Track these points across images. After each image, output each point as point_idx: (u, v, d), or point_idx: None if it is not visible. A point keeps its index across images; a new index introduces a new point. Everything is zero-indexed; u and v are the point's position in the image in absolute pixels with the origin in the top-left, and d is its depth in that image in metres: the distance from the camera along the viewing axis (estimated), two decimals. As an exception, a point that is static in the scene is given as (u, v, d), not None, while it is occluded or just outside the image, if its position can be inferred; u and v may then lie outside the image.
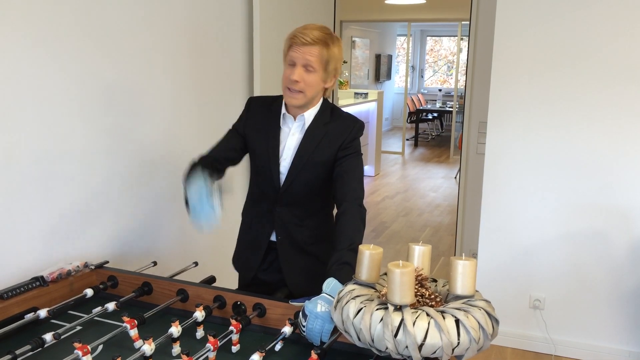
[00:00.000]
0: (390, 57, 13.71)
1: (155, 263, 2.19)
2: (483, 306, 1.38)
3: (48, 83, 2.00)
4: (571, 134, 3.00)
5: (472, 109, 3.92)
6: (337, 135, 1.91)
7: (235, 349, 1.58)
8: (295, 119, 1.94)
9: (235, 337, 1.57)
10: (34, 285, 1.80)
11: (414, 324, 1.28)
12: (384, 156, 9.91)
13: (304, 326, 1.56)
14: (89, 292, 1.86)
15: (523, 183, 3.12)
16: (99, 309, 1.73)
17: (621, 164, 2.94)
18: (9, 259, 1.92)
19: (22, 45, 1.90)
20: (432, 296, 1.43)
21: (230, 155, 2.00)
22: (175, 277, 1.99)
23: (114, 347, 1.56)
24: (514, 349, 3.30)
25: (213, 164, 1.92)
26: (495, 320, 1.38)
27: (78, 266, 1.94)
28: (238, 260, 2.15)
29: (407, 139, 11.62)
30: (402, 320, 1.29)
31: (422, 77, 15.12)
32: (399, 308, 1.32)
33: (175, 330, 1.52)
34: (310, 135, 1.92)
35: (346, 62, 9.67)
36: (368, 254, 1.47)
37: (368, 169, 8.30)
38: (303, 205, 2.00)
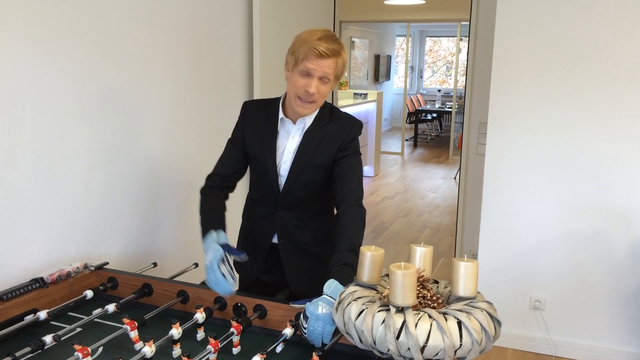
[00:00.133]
0: (389, 58, 13.71)
1: (155, 264, 2.18)
2: (485, 308, 1.37)
3: (48, 83, 2.00)
4: (571, 134, 2.99)
5: (472, 110, 3.91)
6: (336, 136, 1.90)
7: (236, 350, 1.57)
8: (295, 122, 1.93)
9: (236, 338, 1.57)
10: (34, 286, 1.79)
11: (416, 325, 1.27)
12: (383, 156, 9.90)
13: (305, 328, 1.55)
14: (89, 293, 1.86)
15: (523, 184, 3.11)
16: (99, 310, 1.72)
17: (622, 164, 2.94)
18: (9, 260, 1.92)
19: (23, 45, 1.89)
20: (434, 298, 1.42)
21: (236, 169, 2.01)
22: (176, 279, 1.99)
23: (114, 348, 1.56)
24: (514, 349, 3.29)
25: (223, 184, 1.98)
26: (497, 322, 1.37)
27: (78, 267, 1.93)
28: (239, 263, 2.13)
29: (406, 140, 11.62)
30: (404, 322, 1.28)
31: (421, 77, 15.12)
32: (400, 310, 1.32)
33: (175, 332, 1.52)
34: (309, 137, 1.91)
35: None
36: (370, 255, 1.46)
37: (367, 170, 8.30)
38: (304, 207, 1.99)
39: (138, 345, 1.54)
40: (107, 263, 2.04)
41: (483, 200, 3.20)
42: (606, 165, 2.97)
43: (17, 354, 1.43)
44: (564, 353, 3.21)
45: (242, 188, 2.14)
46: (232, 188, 2.02)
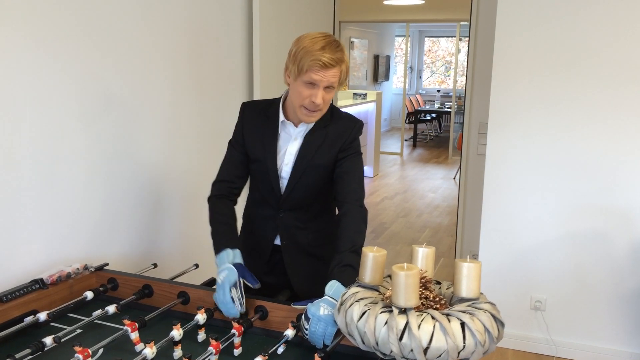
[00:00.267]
0: (388, 58, 13.71)
1: (155, 265, 2.18)
2: (488, 309, 1.37)
3: (48, 84, 1.99)
4: (572, 134, 2.99)
5: (472, 110, 3.91)
6: (337, 137, 1.89)
7: (237, 352, 1.56)
8: (296, 125, 1.90)
9: (237, 340, 1.56)
10: (34, 287, 1.78)
11: (419, 327, 1.27)
12: (382, 157, 9.89)
13: (306, 329, 1.55)
14: (89, 294, 1.85)
15: (524, 184, 3.11)
16: (99, 311, 1.71)
17: (622, 164, 2.93)
18: (8, 261, 1.91)
19: (23, 45, 1.88)
20: (437, 299, 1.42)
21: (241, 172, 1.98)
22: (176, 280, 1.98)
23: (115, 350, 1.55)
24: (515, 350, 3.29)
25: (230, 191, 1.96)
26: (500, 323, 1.37)
27: (78, 268, 1.92)
28: None
29: (406, 140, 11.61)
30: (407, 323, 1.28)
31: (420, 77, 15.12)
32: (403, 311, 1.31)
33: (176, 333, 1.51)
34: (310, 139, 1.89)
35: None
36: (372, 256, 1.46)
37: (367, 170, 8.29)
38: (306, 209, 1.98)
39: (139, 346, 1.53)
40: (107, 264, 2.03)
41: (484, 200, 3.20)
42: (607, 165, 2.96)
43: (17, 355, 1.42)
44: (565, 354, 3.21)
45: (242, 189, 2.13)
46: (239, 194, 2.00)
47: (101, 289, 1.90)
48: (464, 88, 3.96)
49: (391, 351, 1.28)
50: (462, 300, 1.41)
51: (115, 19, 2.26)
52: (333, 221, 2.06)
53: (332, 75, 1.74)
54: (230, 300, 1.65)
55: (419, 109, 12.86)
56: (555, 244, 3.11)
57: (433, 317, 1.29)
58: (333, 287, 1.60)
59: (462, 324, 1.29)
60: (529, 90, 3.02)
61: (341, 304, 1.43)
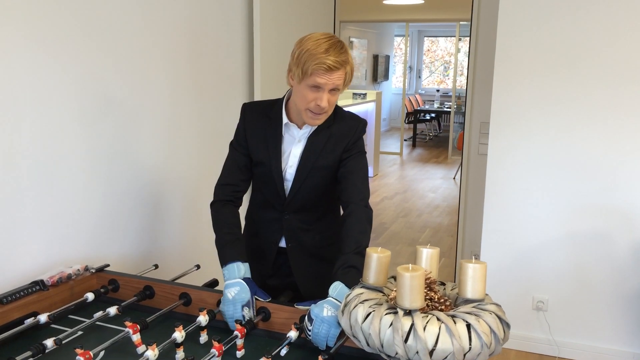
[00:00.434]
0: (387, 58, 13.70)
1: (156, 266, 2.16)
2: (494, 310, 1.35)
3: (48, 85, 1.97)
4: (573, 134, 2.98)
5: (473, 109, 3.90)
6: (341, 137, 1.87)
7: (240, 354, 1.55)
8: (300, 127, 1.87)
9: (239, 342, 1.54)
10: (34, 289, 1.76)
11: (424, 328, 1.25)
12: (382, 157, 9.88)
13: (309, 330, 1.54)
14: (90, 296, 1.83)
15: (525, 184, 3.10)
16: (100, 313, 1.70)
17: (624, 164, 2.92)
18: (8, 262, 1.89)
19: (22, 46, 1.87)
20: (442, 300, 1.40)
21: (244, 176, 1.95)
22: (177, 281, 1.97)
23: (116, 352, 1.53)
24: (517, 351, 3.28)
25: (235, 195, 1.92)
26: (506, 325, 1.35)
27: (78, 270, 1.91)
28: None
29: (405, 140, 11.60)
30: (412, 325, 1.27)
31: (419, 77, 15.11)
32: (408, 312, 1.30)
33: (179, 335, 1.49)
34: (314, 140, 1.87)
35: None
36: (376, 257, 1.44)
37: (367, 170, 8.25)
38: (311, 210, 1.96)
39: (140, 348, 1.52)
40: (108, 265, 2.02)
41: (485, 200, 3.19)
42: (608, 166, 2.95)
43: (18, 358, 1.41)
44: (567, 354, 3.20)
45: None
46: (242, 197, 1.96)
47: (102, 290, 1.88)
48: (465, 87, 3.94)
49: (396, 353, 1.27)
50: (467, 301, 1.40)
51: (115, 20, 2.25)
52: (338, 221, 2.04)
53: (337, 78, 1.71)
54: (242, 317, 1.64)
55: (419, 108, 12.84)
56: (557, 244, 3.10)
57: (438, 319, 1.28)
58: (337, 288, 1.59)
59: (468, 326, 1.28)
60: (530, 90, 3.01)
61: (345, 306, 1.42)
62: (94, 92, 2.18)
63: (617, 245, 3.01)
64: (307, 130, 1.87)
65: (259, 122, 1.91)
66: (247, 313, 1.66)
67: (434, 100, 13.74)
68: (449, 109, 11.87)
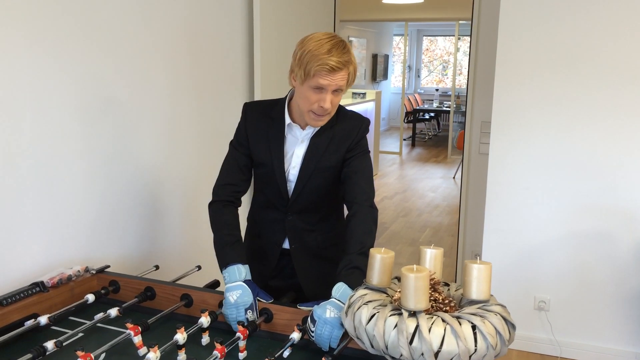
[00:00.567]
0: (386, 57, 13.69)
1: (157, 267, 2.15)
2: (499, 311, 1.34)
3: (47, 85, 1.96)
4: (575, 134, 2.97)
5: (474, 109, 3.88)
6: (344, 137, 1.84)
7: (242, 355, 1.53)
8: (303, 127, 1.85)
9: (242, 343, 1.53)
10: (34, 291, 1.75)
11: (429, 330, 1.24)
12: (381, 156, 9.88)
13: (312, 331, 1.52)
14: (90, 297, 1.82)
15: (527, 184, 3.09)
16: (100, 315, 1.69)
17: (625, 164, 2.91)
18: (8, 264, 1.88)
19: (22, 46, 1.85)
20: (446, 301, 1.39)
21: (245, 176, 1.92)
22: (178, 282, 1.95)
23: (118, 354, 1.52)
24: (519, 351, 3.27)
25: (234, 195, 1.89)
26: (512, 326, 1.34)
27: (79, 271, 1.89)
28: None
29: (404, 139, 11.59)
30: (417, 326, 1.25)
31: (418, 77, 15.10)
32: (413, 314, 1.28)
33: (180, 337, 1.48)
34: (317, 140, 1.84)
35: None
36: (379, 258, 1.43)
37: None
38: (314, 211, 1.94)
39: (142, 350, 1.51)
40: (109, 266, 2.00)
41: (487, 200, 3.17)
42: (610, 166, 2.94)
43: (18, 360, 1.39)
44: (569, 354, 3.19)
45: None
46: (241, 199, 1.93)
47: (102, 291, 1.87)
48: (466, 87, 3.93)
49: (401, 355, 1.26)
50: (472, 302, 1.38)
51: (115, 20, 2.23)
52: (342, 221, 2.03)
53: (340, 79, 1.69)
54: (245, 320, 1.63)
55: (418, 108, 12.83)
56: (559, 244, 3.09)
57: (444, 320, 1.27)
58: (340, 289, 1.57)
59: (474, 327, 1.27)
60: (531, 90, 3.00)
61: (349, 307, 1.41)
62: (94, 93, 2.16)
63: (619, 245, 3.00)
64: (310, 131, 1.85)
65: (261, 122, 1.88)
66: (251, 316, 1.64)
67: (433, 100, 13.73)
68: (448, 109, 11.86)
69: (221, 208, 1.87)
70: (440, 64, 15.29)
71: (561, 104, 2.96)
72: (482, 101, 3.81)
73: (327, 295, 1.59)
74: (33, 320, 1.65)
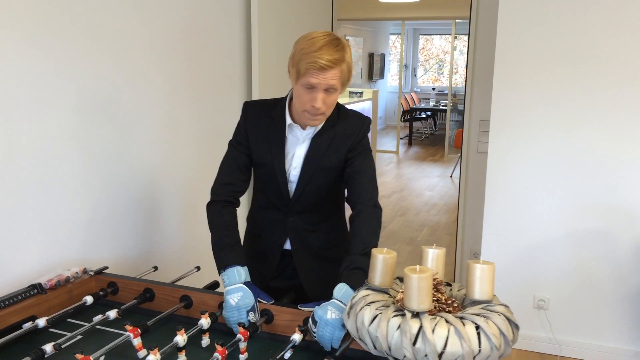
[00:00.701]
0: (383, 56, 13.69)
1: (156, 268, 2.13)
2: (502, 311, 1.33)
3: (45, 86, 1.94)
4: (574, 134, 2.96)
5: (472, 107, 3.88)
6: (346, 137, 1.82)
7: (243, 357, 1.52)
8: (304, 128, 1.83)
9: (242, 345, 1.51)
10: (32, 293, 1.73)
11: (433, 331, 1.23)
12: (378, 155, 9.88)
13: (314, 332, 1.51)
14: (89, 299, 1.80)
15: (526, 183, 3.08)
16: (99, 317, 1.67)
17: (625, 163, 2.91)
18: (5, 265, 1.86)
19: (19, 47, 1.83)
20: (449, 301, 1.38)
21: (244, 176, 1.89)
22: (178, 283, 1.94)
23: (117, 357, 1.50)
24: (518, 350, 3.26)
25: (233, 195, 1.86)
26: (515, 326, 1.33)
27: (77, 272, 1.87)
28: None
29: (401, 138, 11.58)
30: (420, 327, 1.24)
31: (415, 75, 15.09)
32: (416, 314, 1.27)
33: (180, 339, 1.46)
34: (318, 140, 1.82)
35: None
36: (382, 258, 1.42)
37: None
38: (316, 211, 1.91)
39: (141, 353, 1.49)
40: (107, 267, 1.99)
41: (486, 199, 3.17)
42: (609, 164, 2.94)
43: (17, 364, 1.38)
44: (569, 353, 3.18)
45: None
46: (239, 199, 1.91)
47: (101, 293, 1.85)
48: (464, 85, 3.92)
49: (404, 356, 1.24)
50: (475, 302, 1.37)
51: (112, 20, 2.21)
52: (344, 221, 2.01)
53: (331, 77, 1.65)
54: (246, 322, 1.61)
55: (414, 107, 12.83)
56: (558, 243, 3.09)
57: (447, 321, 1.25)
58: (342, 290, 1.56)
59: (477, 328, 1.25)
60: (531, 88, 2.99)
61: (351, 308, 1.39)
62: (92, 93, 2.15)
63: (618, 243, 3.00)
64: (310, 131, 1.83)
65: (261, 122, 1.86)
66: (253, 317, 1.63)
67: (429, 99, 13.73)
68: (444, 107, 11.86)
69: (220, 209, 1.85)
70: (436, 62, 15.28)
71: (561, 103, 2.96)
72: (481, 100, 3.80)
73: (328, 296, 1.57)
74: (31, 322, 1.63)
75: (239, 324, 1.52)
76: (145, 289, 1.83)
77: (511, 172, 3.09)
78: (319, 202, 1.90)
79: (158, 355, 1.39)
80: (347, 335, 1.49)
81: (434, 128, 13.47)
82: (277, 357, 1.41)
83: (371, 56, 12.87)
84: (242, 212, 2.01)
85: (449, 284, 1.53)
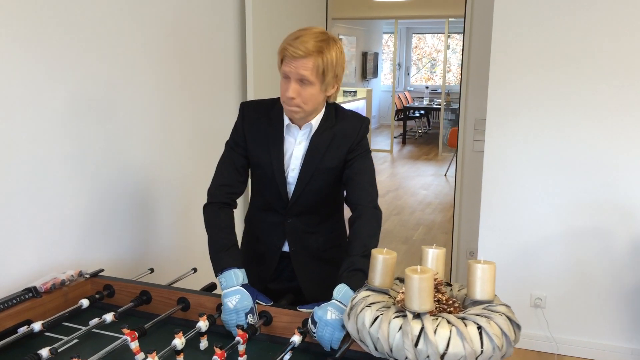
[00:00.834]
0: (376, 55, 13.68)
1: (152, 270, 2.11)
2: (504, 311, 1.32)
3: (36, 88, 1.91)
4: (570, 132, 2.96)
5: (467, 106, 3.87)
6: (345, 137, 1.81)
7: (242, 360, 1.50)
8: (300, 127, 1.81)
9: (241, 347, 1.49)
10: (27, 296, 1.71)
11: (435, 332, 1.22)
12: (372, 154, 9.83)
13: (314, 332, 1.50)
14: (85, 302, 1.78)
15: (523, 181, 3.08)
16: (96, 320, 1.65)
17: (622, 161, 2.91)
18: (-1, 269, 1.84)
19: (9, 48, 1.81)
20: (450, 302, 1.37)
21: (242, 177, 1.87)
22: (174, 285, 1.92)
23: (114, 361, 1.49)
24: (515, 348, 3.22)
25: (231, 197, 1.85)
26: (517, 326, 1.32)
27: (72, 275, 1.85)
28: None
29: (395, 137, 11.58)
30: (422, 328, 1.23)
31: (408, 74, 15.10)
32: (417, 315, 1.26)
33: (179, 342, 1.45)
34: (316, 141, 1.80)
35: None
36: (382, 259, 1.41)
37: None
38: (315, 213, 1.90)
39: (139, 356, 1.47)
40: (103, 270, 1.96)
41: (482, 198, 3.16)
42: (606, 162, 2.94)
43: (13, 369, 1.36)
44: (566, 351, 3.18)
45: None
46: (237, 201, 1.89)
47: (97, 296, 1.83)
48: (459, 84, 3.92)
49: (406, 358, 1.23)
50: (476, 302, 1.36)
51: (104, 19, 2.19)
52: (343, 223, 1.99)
53: (303, 67, 1.64)
54: (245, 324, 1.59)
55: (408, 105, 12.82)
56: (555, 241, 3.08)
57: (449, 322, 1.24)
58: (341, 290, 1.55)
59: (479, 328, 1.24)
60: (526, 87, 2.98)
61: (351, 309, 1.38)
62: (85, 95, 2.12)
63: (615, 241, 3.00)
64: (307, 131, 1.82)
65: (259, 123, 1.84)
66: (251, 320, 1.61)
67: (423, 97, 13.73)
68: (438, 106, 11.86)
69: (217, 210, 1.83)
70: (428, 61, 15.29)
71: (557, 101, 2.95)
72: (476, 98, 3.80)
73: (327, 298, 1.56)
74: (26, 327, 1.61)
75: (238, 327, 1.51)
76: (141, 291, 1.81)
77: (507, 171, 3.09)
78: (318, 203, 1.88)
79: (156, 359, 1.38)
80: (347, 336, 1.48)
81: (427, 127, 13.47)
82: (278, 359, 1.40)
83: (364, 55, 12.86)
84: (239, 214, 1.99)
85: (449, 284, 1.52)
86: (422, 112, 12.94)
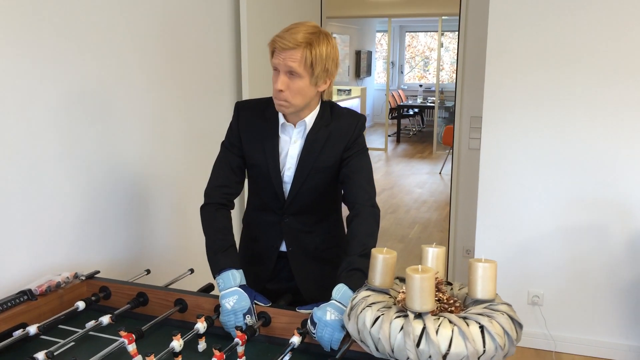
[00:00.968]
0: (370, 54, 13.67)
1: (148, 271, 2.09)
2: (506, 310, 1.31)
3: (29, 88, 1.89)
4: (566, 129, 2.96)
5: (463, 104, 3.86)
6: (341, 136, 1.79)
7: (241, 361, 1.49)
8: (295, 125, 1.80)
9: (240, 349, 1.48)
10: (22, 299, 1.68)
11: (437, 332, 1.21)
12: (367, 153, 9.83)
13: (313, 333, 1.49)
14: (81, 304, 1.76)
15: (519, 178, 3.07)
16: (92, 322, 1.63)
17: (618, 159, 2.91)
18: (-7, 271, 1.81)
19: (2, 46, 1.78)
20: (451, 301, 1.36)
21: (238, 177, 1.85)
22: (171, 286, 1.90)
23: (111, 364, 1.47)
24: (513, 346, 3.25)
25: (228, 198, 1.83)
26: (519, 325, 1.31)
27: (68, 277, 1.83)
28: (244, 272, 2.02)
29: (389, 135, 11.58)
30: (424, 328, 1.22)
31: (402, 73, 15.09)
32: (419, 315, 1.25)
33: (177, 344, 1.43)
34: (312, 140, 1.79)
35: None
36: (382, 259, 1.39)
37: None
38: (312, 212, 1.88)
39: (137, 359, 1.46)
40: (98, 272, 1.94)
41: (479, 195, 3.15)
42: (602, 160, 2.94)
43: (8, 373, 1.33)
44: (564, 348, 3.18)
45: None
46: (234, 201, 1.87)
47: (93, 298, 1.81)
48: (455, 82, 3.91)
49: (408, 358, 1.22)
50: (477, 302, 1.35)
51: (97, 19, 2.17)
52: (340, 222, 1.98)
53: (291, 59, 1.63)
54: (243, 325, 1.58)
55: (402, 104, 12.82)
56: (552, 239, 3.08)
57: (451, 321, 1.23)
58: (340, 291, 1.53)
59: (481, 328, 1.23)
60: (522, 84, 2.98)
61: (351, 309, 1.37)
62: (77, 94, 2.10)
63: (611, 238, 3.00)
64: (301, 129, 1.80)
65: (254, 122, 1.83)
66: (250, 320, 1.60)
67: (416, 96, 13.73)
68: (432, 104, 11.86)
69: (214, 211, 1.81)
70: (421, 59, 15.28)
71: (553, 99, 2.95)
72: (471, 96, 3.79)
73: (326, 298, 1.55)
74: (22, 330, 1.58)
75: (236, 328, 1.49)
76: (138, 293, 1.79)
77: (504, 168, 3.08)
78: (315, 202, 1.86)
79: (154, 361, 1.36)
80: (347, 336, 1.47)
81: (421, 125, 13.47)
82: (277, 361, 1.39)
83: (358, 54, 12.85)
84: (237, 215, 1.98)
85: (449, 283, 1.51)
86: (416, 110, 12.95)
